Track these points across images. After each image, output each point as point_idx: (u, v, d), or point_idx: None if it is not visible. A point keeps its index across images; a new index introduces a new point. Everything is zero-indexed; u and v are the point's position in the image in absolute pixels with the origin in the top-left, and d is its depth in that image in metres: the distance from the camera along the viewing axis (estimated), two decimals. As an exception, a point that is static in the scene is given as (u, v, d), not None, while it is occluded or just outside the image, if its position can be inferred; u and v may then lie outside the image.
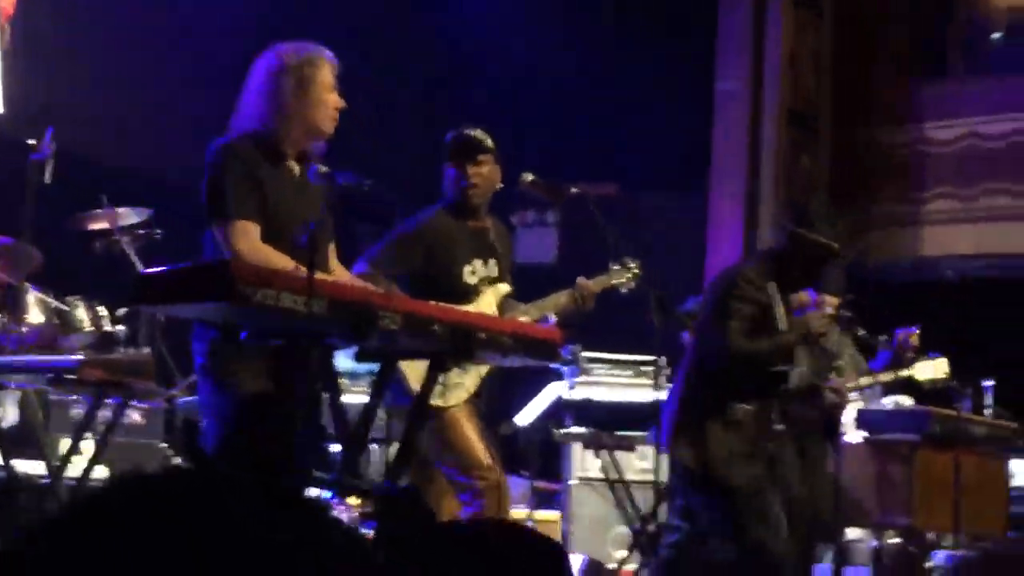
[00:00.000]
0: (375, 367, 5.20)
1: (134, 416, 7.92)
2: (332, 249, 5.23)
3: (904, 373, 7.76)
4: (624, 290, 6.46)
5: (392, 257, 5.82)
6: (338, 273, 5.23)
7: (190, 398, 7.97)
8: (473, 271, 6.06)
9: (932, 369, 7.75)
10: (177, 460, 8.09)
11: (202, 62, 10.02)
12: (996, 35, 12.93)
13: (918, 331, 7.63)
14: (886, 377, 7.86)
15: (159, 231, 8.38)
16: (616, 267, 6.40)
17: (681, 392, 6.30)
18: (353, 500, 4.89)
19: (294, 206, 4.96)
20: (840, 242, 6.36)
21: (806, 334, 6.32)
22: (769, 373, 6.25)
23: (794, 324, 6.26)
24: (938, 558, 7.35)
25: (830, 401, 7.11)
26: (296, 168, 5.07)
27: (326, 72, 5.09)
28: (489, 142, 6.09)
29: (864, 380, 7.74)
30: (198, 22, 10.53)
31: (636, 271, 6.41)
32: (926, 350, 7.81)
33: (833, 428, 7.34)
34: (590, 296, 6.19)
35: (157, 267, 4.73)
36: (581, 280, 6.22)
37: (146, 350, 8.18)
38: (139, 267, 7.77)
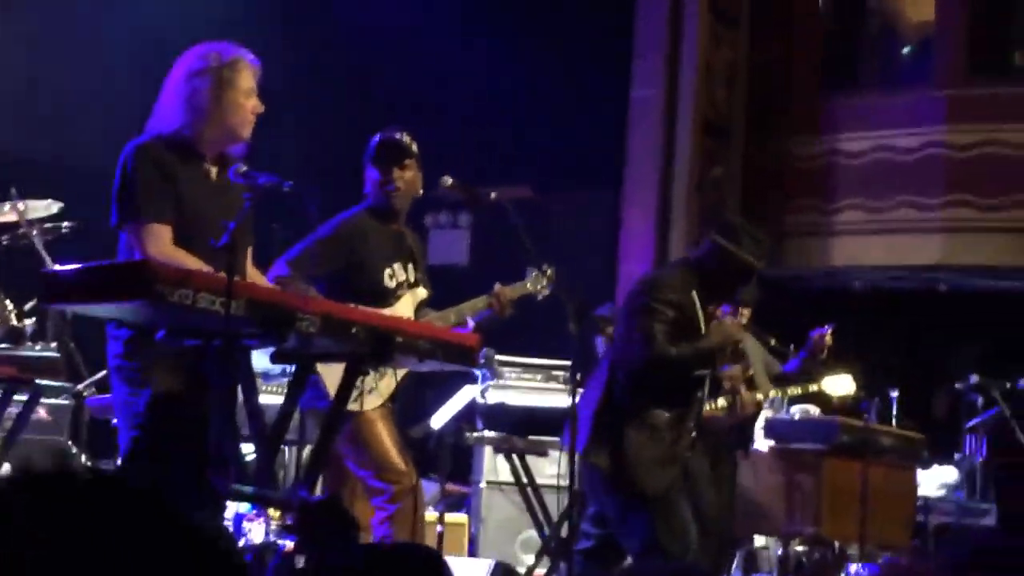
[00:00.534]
0: (289, 368, 5.16)
1: (40, 412, 7.81)
2: (249, 254, 5.19)
3: (812, 388, 7.84)
4: (539, 297, 6.46)
5: (312, 259, 5.77)
6: (254, 279, 5.18)
7: (100, 396, 7.87)
8: (392, 275, 6.03)
9: (839, 385, 7.82)
10: (83, 457, 7.99)
11: (115, 54, 9.90)
12: (906, 49, 13.10)
13: (831, 330, 7.69)
14: (795, 391, 7.93)
15: (68, 224, 8.24)
16: (533, 274, 6.40)
17: (598, 397, 6.28)
18: (273, 512, 4.85)
19: (210, 208, 4.90)
20: (764, 258, 6.37)
21: (724, 340, 6.34)
22: (690, 379, 6.26)
23: (712, 331, 6.27)
24: (852, 570, 7.41)
25: (731, 396, 7.06)
26: (213, 170, 5.02)
27: (246, 76, 5.03)
28: (415, 147, 6.07)
29: (773, 392, 7.80)
30: (109, 14, 10.39)
31: (552, 278, 6.40)
32: (837, 352, 7.88)
33: (746, 439, 7.39)
34: (508, 303, 6.18)
35: (68, 264, 4.67)
36: (499, 287, 6.21)
37: (53, 345, 8.08)
38: (47, 261, 7.64)
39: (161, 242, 4.79)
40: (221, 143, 5.02)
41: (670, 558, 6.01)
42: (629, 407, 6.18)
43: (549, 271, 6.38)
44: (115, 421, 7.69)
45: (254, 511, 6.38)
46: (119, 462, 4.94)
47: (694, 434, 6.31)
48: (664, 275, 6.45)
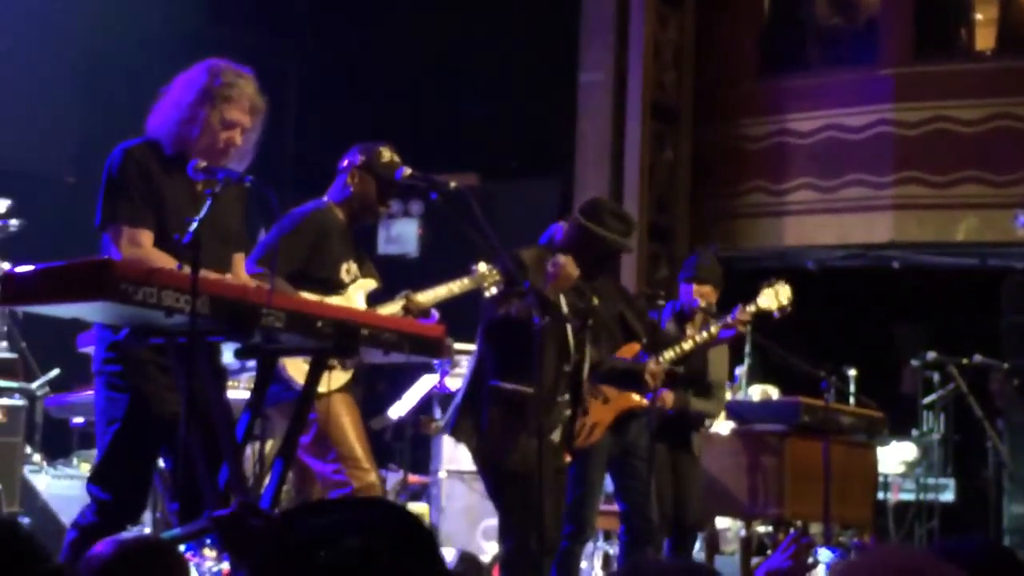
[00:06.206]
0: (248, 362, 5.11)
1: (-6, 413, 7.72)
2: (240, 259, 5.16)
3: (750, 308, 6.97)
4: (487, 294, 6.41)
5: (281, 255, 5.66)
6: (243, 279, 5.09)
7: (58, 395, 7.81)
8: (348, 270, 5.96)
9: (774, 296, 7.09)
10: (36, 457, 7.91)
11: (66, 51, 9.76)
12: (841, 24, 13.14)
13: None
14: (702, 338, 6.91)
15: (16, 222, 8.15)
16: (478, 271, 6.37)
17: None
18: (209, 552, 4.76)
19: (191, 216, 4.83)
20: (628, 235, 6.35)
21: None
22: (532, 353, 6.01)
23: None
24: (822, 555, 7.41)
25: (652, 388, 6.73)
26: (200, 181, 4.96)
27: (236, 106, 4.95)
28: None
29: (671, 353, 6.81)
30: (59, 10, 10.26)
31: (495, 277, 6.37)
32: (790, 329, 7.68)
33: (685, 430, 7.19)
34: (418, 313, 6.05)
35: (26, 263, 4.58)
36: (408, 294, 6.06)
37: (4, 345, 8.00)
38: (-3, 261, 7.57)
39: (137, 246, 4.78)
40: (201, 156, 4.93)
41: (521, 538, 5.89)
42: (490, 382, 6.14)
43: (494, 269, 6.35)
44: (75, 421, 7.71)
45: (190, 551, 6.39)
46: (95, 462, 4.91)
47: (570, 412, 6.19)
48: (519, 254, 6.35)
